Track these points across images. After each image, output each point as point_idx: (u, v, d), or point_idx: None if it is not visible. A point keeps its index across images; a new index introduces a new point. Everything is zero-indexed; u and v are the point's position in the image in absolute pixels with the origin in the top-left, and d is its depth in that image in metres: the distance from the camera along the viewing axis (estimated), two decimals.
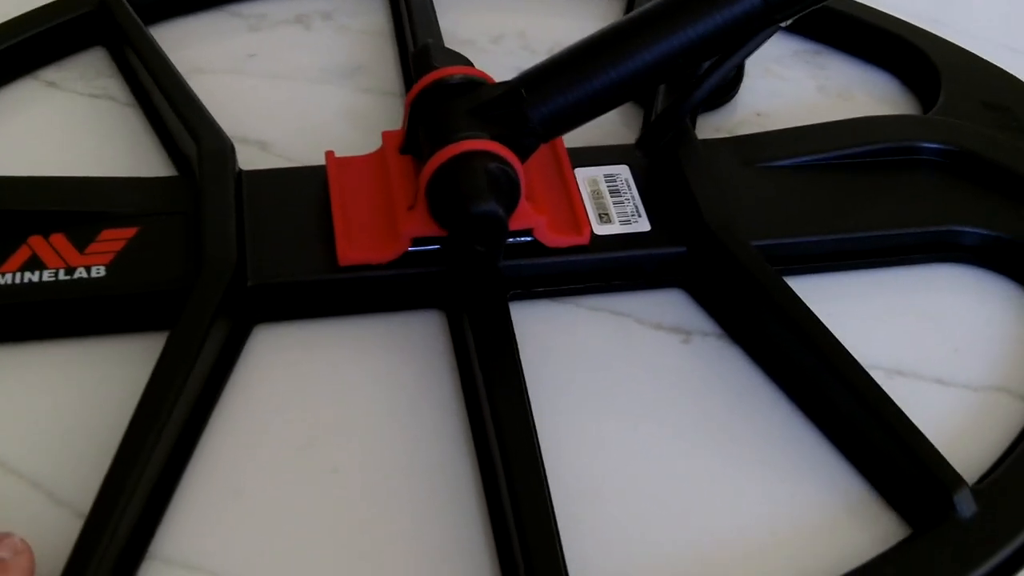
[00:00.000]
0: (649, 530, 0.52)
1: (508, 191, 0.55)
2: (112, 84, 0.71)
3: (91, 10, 0.72)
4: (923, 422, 0.53)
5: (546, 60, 0.58)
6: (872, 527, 0.52)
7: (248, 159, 0.64)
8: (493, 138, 0.55)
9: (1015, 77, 0.73)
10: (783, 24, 0.57)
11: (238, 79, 0.72)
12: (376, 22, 0.77)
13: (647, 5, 0.58)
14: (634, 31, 0.57)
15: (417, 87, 0.59)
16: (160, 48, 0.68)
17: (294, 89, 0.72)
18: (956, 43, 0.76)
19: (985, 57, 0.75)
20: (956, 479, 0.51)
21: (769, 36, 0.58)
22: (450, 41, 0.72)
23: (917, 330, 0.61)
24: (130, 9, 0.71)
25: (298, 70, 0.73)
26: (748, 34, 0.57)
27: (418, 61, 0.61)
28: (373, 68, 0.74)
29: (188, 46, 0.73)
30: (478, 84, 0.59)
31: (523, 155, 0.57)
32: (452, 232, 0.56)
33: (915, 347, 0.60)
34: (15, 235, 0.57)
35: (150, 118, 0.68)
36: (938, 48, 0.75)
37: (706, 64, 0.60)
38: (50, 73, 0.72)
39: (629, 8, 0.78)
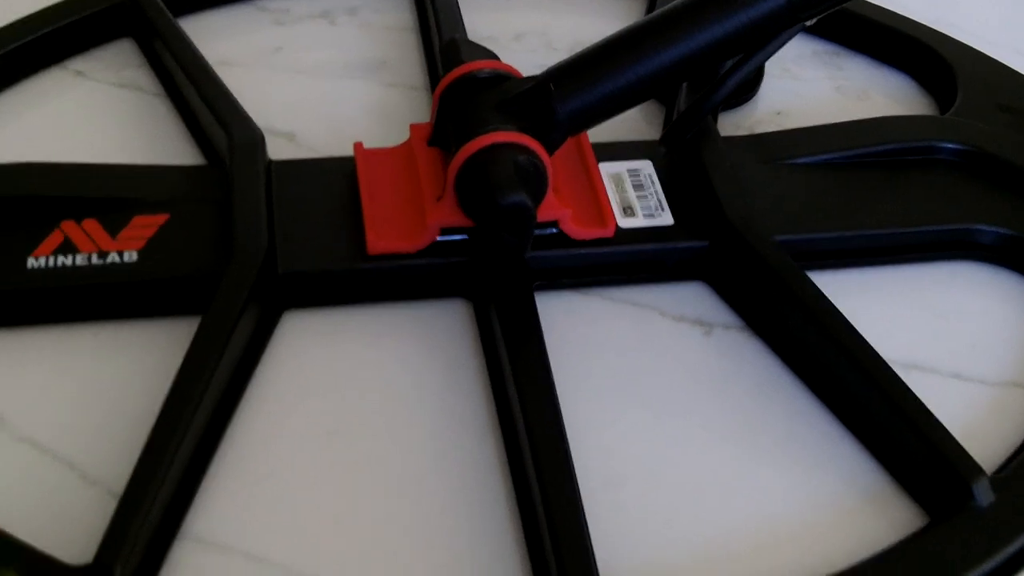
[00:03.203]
0: (672, 517, 0.52)
1: (536, 183, 0.56)
2: (139, 75, 0.72)
3: (120, 2, 0.73)
4: (940, 415, 0.53)
5: (573, 56, 0.59)
6: (891, 515, 0.53)
7: (275, 150, 0.64)
8: (521, 131, 0.56)
9: None
10: (807, 24, 0.58)
11: (264, 72, 0.73)
12: (401, 18, 0.78)
13: (672, 4, 0.58)
14: (659, 29, 0.58)
15: (446, 80, 0.59)
16: (190, 40, 0.69)
17: (319, 83, 0.73)
18: (966, 42, 0.77)
19: (994, 55, 0.76)
20: (975, 469, 0.52)
21: (792, 36, 0.59)
22: (473, 38, 0.72)
23: (934, 325, 0.62)
24: (159, 1, 0.72)
25: (323, 64, 0.74)
26: (771, 33, 0.58)
27: (447, 55, 0.61)
28: (397, 63, 0.75)
29: (215, 39, 0.74)
30: (506, 78, 0.60)
31: (550, 148, 0.57)
32: (480, 223, 0.57)
33: (932, 342, 0.61)
34: (48, 220, 0.58)
35: (178, 108, 0.69)
36: (954, 50, 0.76)
37: (728, 63, 0.61)
38: (78, 63, 0.72)
39: (650, 7, 0.79)
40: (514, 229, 0.55)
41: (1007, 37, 0.81)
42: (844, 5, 0.59)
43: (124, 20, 0.74)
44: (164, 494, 0.49)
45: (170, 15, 0.71)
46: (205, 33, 0.74)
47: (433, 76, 0.73)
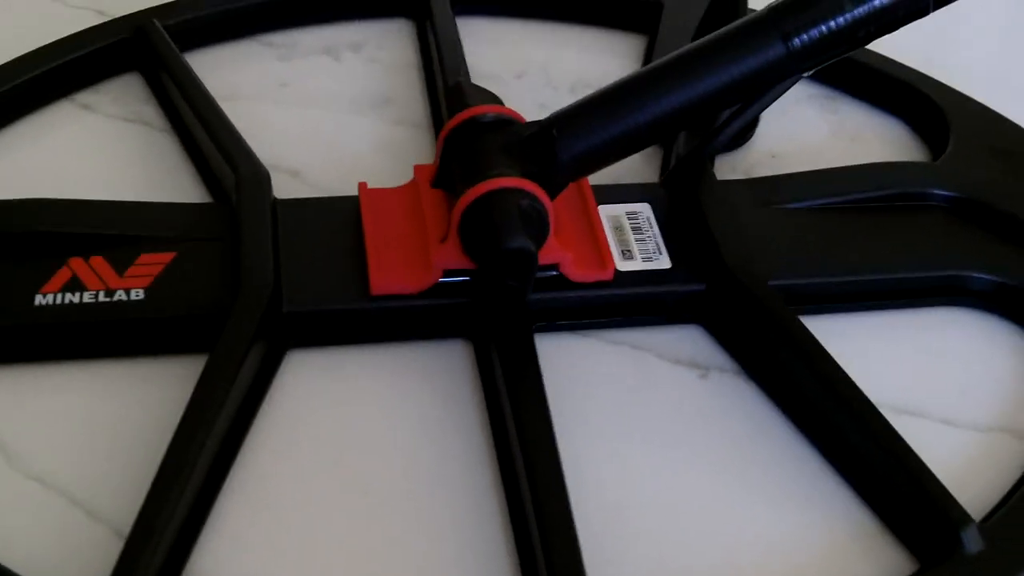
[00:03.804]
0: (666, 557, 0.53)
1: (538, 227, 0.57)
2: (146, 109, 0.73)
3: (127, 36, 0.74)
4: (930, 460, 0.54)
5: (576, 102, 0.60)
6: (881, 560, 0.54)
7: (280, 186, 0.65)
8: (524, 175, 0.57)
9: (1021, 127, 0.75)
10: (805, 74, 0.59)
11: (269, 107, 0.74)
12: (404, 55, 0.79)
13: (674, 52, 0.60)
14: (662, 77, 0.59)
15: (451, 124, 0.61)
16: (196, 75, 0.70)
17: (324, 119, 0.74)
18: (956, 86, 0.78)
19: (980, 98, 0.77)
20: (963, 516, 0.52)
21: (791, 86, 0.61)
22: (475, 75, 0.74)
23: (925, 371, 0.63)
24: (166, 36, 0.73)
25: (328, 100, 0.75)
26: (771, 82, 0.60)
27: (451, 98, 0.63)
28: (401, 100, 0.76)
29: (221, 73, 0.75)
30: (509, 122, 0.61)
31: (552, 193, 0.59)
32: (483, 265, 0.58)
33: (923, 387, 0.62)
34: (56, 256, 0.59)
35: (184, 143, 0.70)
36: (947, 96, 0.77)
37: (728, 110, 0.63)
38: (86, 97, 0.74)
39: (650, 45, 0.80)
40: (516, 272, 0.57)
41: (1001, 79, 0.82)
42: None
43: (131, 54, 0.75)
44: (171, 532, 0.50)
45: (176, 50, 0.72)
46: (211, 67, 0.75)
47: (436, 114, 0.74)
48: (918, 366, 0.63)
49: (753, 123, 0.74)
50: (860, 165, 0.70)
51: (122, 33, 0.74)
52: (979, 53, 0.87)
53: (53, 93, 0.73)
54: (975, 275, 0.65)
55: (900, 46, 0.75)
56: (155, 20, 0.74)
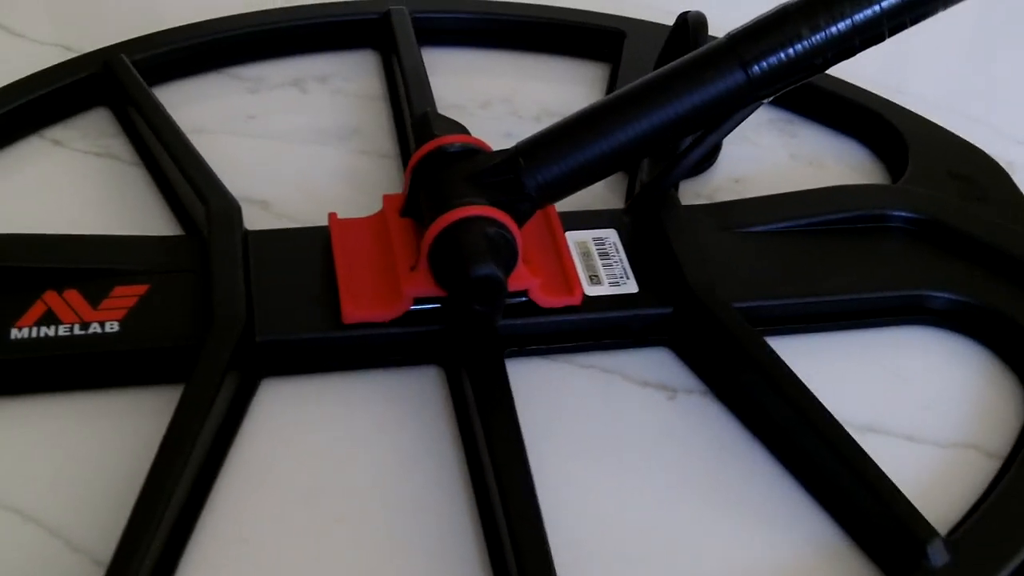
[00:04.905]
0: (637, 572, 0.54)
1: (507, 254, 0.58)
2: (115, 143, 0.74)
3: (95, 72, 0.75)
4: (895, 476, 0.55)
5: (541, 131, 0.61)
6: (849, 574, 0.55)
7: (250, 217, 0.66)
8: (491, 204, 0.58)
9: (978, 148, 0.77)
10: (765, 101, 0.61)
11: (238, 140, 0.75)
12: (371, 86, 0.81)
13: (637, 82, 0.61)
14: (625, 106, 0.60)
15: (418, 154, 0.62)
16: (164, 109, 0.71)
17: (292, 150, 0.75)
18: (914, 109, 0.80)
19: (941, 122, 0.79)
20: (929, 530, 0.53)
21: (751, 112, 0.62)
22: (441, 106, 0.75)
23: (889, 389, 0.64)
24: (134, 71, 0.74)
25: (296, 132, 0.76)
26: (732, 109, 0.61)
27: (418, 129, 0.64)
28: (368, 131, 0.77)
29: (189, 107, 0.76)
30: (476, 152, 0.62)
31: (520, 220, 0.60)
32: (453, 293, 0.59)
33: (887, 405, 0.63)
34: (30, 290, 0.60)
35: (154, 177, 0.71)
36: (905, 120, 0.79)
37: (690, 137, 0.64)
38: (56, 132, 0.74)
39: (613, 73, 0.82)
40: (485, 300, 0.57)
41: (959, 103, 0.84)
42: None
43: (100, 89, 0.76)
44: (151, 560, 0.50)
45: (145, 84, 0.73)
46: (179, 101, 0.76)
47: (403, 144, 0.75)
48: (881, 384, 0.64)
49: (716, 149, 0.76)
50: (821, 188, 0.72)
51: (90, 68, 0.75)
52: (937, 77, 0.88)
53: (23, 129, 0.73)
54: (934, 294, 0.67)
55: (860, 71, 0.76)
56: (123, 55, 0.75)
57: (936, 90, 0.86)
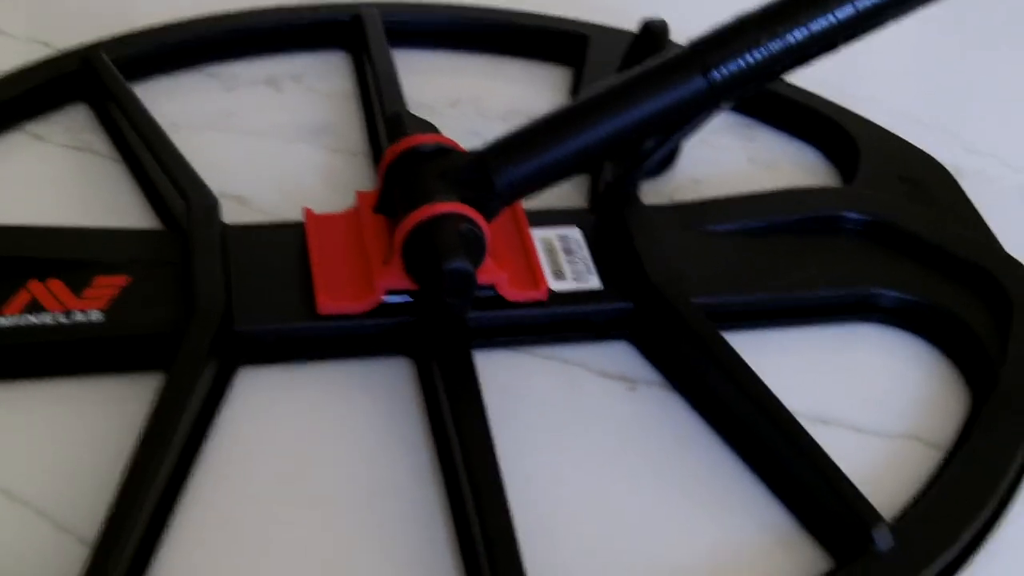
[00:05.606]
0: (597, 559, 0.57)
1: (476, 249, 0.60)
2: (94, 138, 0.75)
3: (75, 68, 0.77)
4: (844, 465, 0.58)
5: (510, 132, 0.63)
6: (799, 559, 0.57)
7: (227, 212, 0.68)
8: (462, 201, 0.61)
9: (927, 154, 0.80)
10: (724, 107, 0.63)
11: (214, 136, 0.77)
12: (343, 85, 0.83)
13: (600, 85, 0.63)
14: (589, 110, 0.63)
15: (392, 152, 0.64)
16: (143, 105, 0.73)
17: (267, 147, 0.77)
18: (869, 114, 0.83)
19: (893, 128, 0.82)
20: (875, 515, 0.56)
21: (711, 118, 0.64)
22: (411, 104, 0.77)
23: (838, 383, 0.66)
24: (113, 68, 0.75)
25: (271, 129, 0.78)
26: (693, 114, 0.64)
27: (391, 128, 0.66)
28: (341, 129, 0.79)
29: (166, 103, 0.78)
30: (448, 151, 0.64)
31: (488, 217, 0.62)
32: (425, 285, 0.61)
33: (837, 398, 0.65)
34: (14, 279, 0.61)
35: (134, 172, 0.73)
36: (858, 125, 0.82)
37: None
38: (37, 127, 0.76)
39: (577, 76, 0.84)
40: (456, 292, 0.60)
41: (909, 109, 0.87)
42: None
43: (80, 85, 0.77)
44: (135, 538, 0.52)
45: (124, 81, 0.75)
46: (157, 97, 0.78)
47: (374, 142, 0.77)
48: (832, 378, 0.67)
49: (676, 151, 0.78)
50: (777, 190, 0.74)
51: (71, 65, 0.77)
52: (889, 83, 0.91)
53: (5, 123, 0.75)
54: (883, 292, 0.69)
55: (814, 77, 0.79)
56: (102, 53, 0.77)
57: (888, 96, 0.88)
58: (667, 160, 0.78)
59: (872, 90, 0.88)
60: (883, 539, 0.56)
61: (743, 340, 0.64)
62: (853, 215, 0.72)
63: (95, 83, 0.76)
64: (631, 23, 0.77)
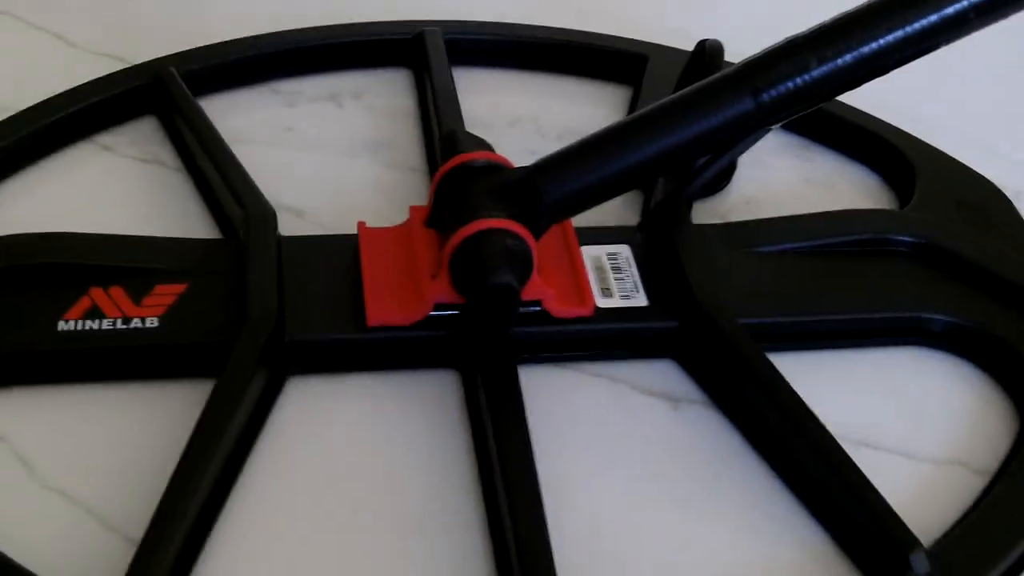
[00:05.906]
0: (633, 574, 0.57)
1: (522, 265, 0.61)
2: (161, 151, 0.78)
3: (146, 82, 0.79)
4: (885, 489, 0.58)
5: (560, 150, 0.64)
6: None
7: (285, 224, 0.69)
8: (510, 217, 0.62)
9: (986, 179, 0.80)
10: (774, 126, 0.64)
11: (276, 150, 0.79)
12: (403, 103, 0.84)
13: (652, 105, 0.64)
14: (639, 128, 0.63)
15: (444, 168, 0.65)
16: (208, 119, 0.75)
17: (326, 162, 0.78)
18: (927, 136, 0.82)
19: (951, 150, 0.81)
20: (912, 540, 0.56)
21: (761, 136, 0.65)
22: (471, 123, 0.78)
23: (885, 406, 0.66)
24: (182, 83, 0.77)
25: (330, 144, 0.80)
26: (742, 133, 0.64)
27: (445, 145, 0.67)
28: (399, 145, 0.80)
29: (231, 118, 0.80)
30: (499, 168, 0.65)
31: (537, 234, 0.63)
32: (471, 300, 0.62)
33: (883, 422, 0.65)
34: (77, 286, 0.64)
35: (197, 183, 0.75)
36: (915, 148, 0.81)
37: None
38: (106, 138, 0.78)
39: (635, 96, 0.85)
40: (500, 307, 0.61)
41: (969, 133, 0.86)
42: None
43: (149, 99, 0.79)
44: (178, 540, 0.54)
45: (191, 96, 0.77)
46: (223, 112, 0.80)
47: (431, 159, 0.78)
48: (878, 401, 0.66)
49: (730, 170, 0.78)
50: (829, 212, 0.74)
51: (141, 79, 0.79)
52: (952, 105, 0.91)
53: (76, 134, 0.77)
54: (934, 316, 0.69)
55: (874, 98, 0.79)
56: (172, 67, 0.79)
57: (949, 120, 0.88)
58: (722, 180, 0.78)
59: (937, 112, 0.88)
60: (920, 564, 0.55)
61: (788, 361, 0.64)
62: (904, 238, 0.72)
63: (164, 97, 0.78)
64: (690, 44, 0.78)
